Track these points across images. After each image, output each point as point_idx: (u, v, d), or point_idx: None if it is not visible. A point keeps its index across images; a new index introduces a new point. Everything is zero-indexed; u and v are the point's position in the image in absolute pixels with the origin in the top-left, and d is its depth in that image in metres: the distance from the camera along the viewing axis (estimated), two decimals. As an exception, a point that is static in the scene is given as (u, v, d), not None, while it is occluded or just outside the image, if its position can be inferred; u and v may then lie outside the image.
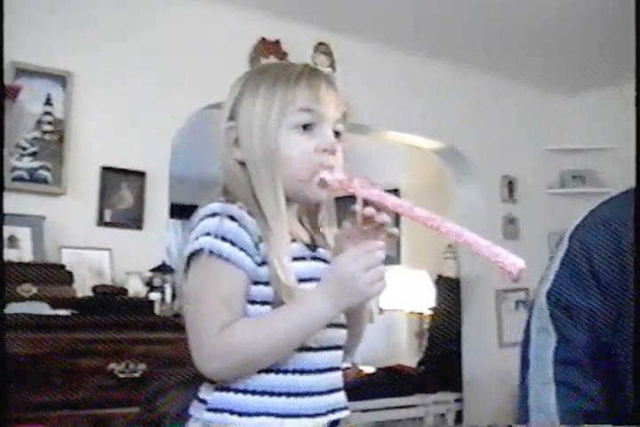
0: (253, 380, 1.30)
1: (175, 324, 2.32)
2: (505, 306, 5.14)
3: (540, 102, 5.41)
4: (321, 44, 4.34)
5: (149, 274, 3.36)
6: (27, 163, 3.32)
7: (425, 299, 5.85)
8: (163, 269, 3.37)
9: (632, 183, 1.33)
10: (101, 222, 3.52)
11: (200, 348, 1.28)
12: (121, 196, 3.59)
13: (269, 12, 4.14)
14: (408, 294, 5.90)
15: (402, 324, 6.39)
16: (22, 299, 2.84)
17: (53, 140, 3.40)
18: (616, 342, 1.25)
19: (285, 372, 1.32)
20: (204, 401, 1.34)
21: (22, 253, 3.13)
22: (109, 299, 3.10)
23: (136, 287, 3.33)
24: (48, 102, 3.41)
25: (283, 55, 4.17)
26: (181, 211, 3.68)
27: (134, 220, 3.61)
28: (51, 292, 2.93)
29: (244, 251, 1.29)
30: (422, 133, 4.92)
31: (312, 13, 4.21)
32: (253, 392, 1.30)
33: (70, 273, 3.08)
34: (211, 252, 1.29)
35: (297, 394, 1.32)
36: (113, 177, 3.57)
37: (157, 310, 3.18)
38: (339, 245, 1.38)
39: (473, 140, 5.05)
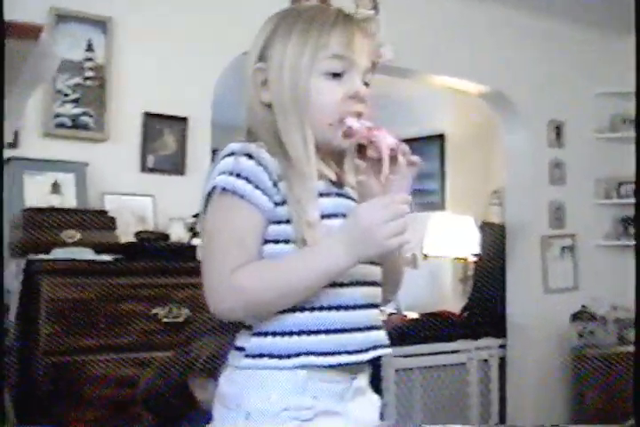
0: (288, 320, 1.30)
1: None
2: (550, 252, 5.09)
3: (590, 44, 5.25)
4: (364, -15, 4.25)
5: (192, 220, 3.36)
6: (69, 109, 3.33)
7: (470, 245, 5.81)
8: (205, 214, 3.38)
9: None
10: (144, 168, 3.53)
11: (211, 289, 1.28)
12: (163, 141, 3.58)
13: (311, -47, 4.05)
14: (453, 240, 5.86)
15: (446, 270, 6.37)
16: (66, 244, 2.87)
17: (95, 86, 3.39)
18: None
19: (321, 309, 1.31)
20: (241, 349, 1.34)
21: (65, 199, 3.16)
22: (152, 244, 3.13)
23: (179, 233, 3.35)
24: (89, 48, 3.39)
25: (325, -4, 4.09)
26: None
27: (177, 165, 3.60)
28: (94, 237, 2.96)
29: (260, 189, 1.29)
30: (468, 77, 4.82)
31: (355, -46, 4.11)
32: (291, 333, 1.30)
33: (113, 219, 3.10)
34: (224, 189, 1.28)
35: (335, 331, 1.31)
36: (155, 123, 3.56)
37: (200, 255, 3.20)
38: (363, 190, 1.37)
39: (520, 84, 4.94)
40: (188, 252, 3.12)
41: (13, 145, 3.04)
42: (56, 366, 2.72)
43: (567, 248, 5.16)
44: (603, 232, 5.34)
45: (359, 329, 1.34)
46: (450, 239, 5.87)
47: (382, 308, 1.45)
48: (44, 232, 2.87)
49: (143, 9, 3.56)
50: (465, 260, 6.02)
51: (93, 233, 2.97)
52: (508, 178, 5.20)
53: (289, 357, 1.29)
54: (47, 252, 2.82)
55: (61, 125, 3.30)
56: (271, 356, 1.30)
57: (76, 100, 3.34)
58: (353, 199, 1.40)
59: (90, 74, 3.38)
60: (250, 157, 1.29)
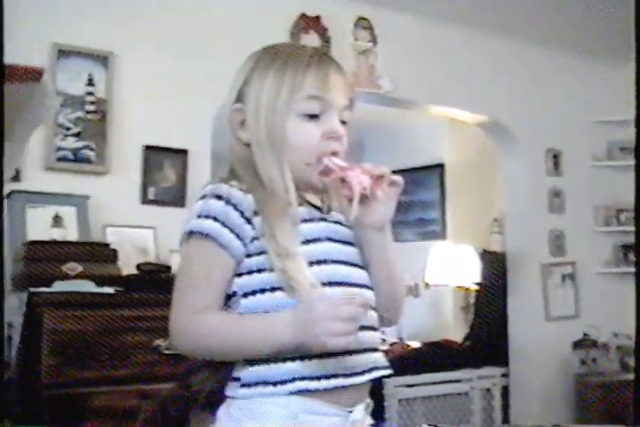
0: None
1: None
2: (551, 280, 5.09)
3: (586, 73, 5.31)
4: (362, 18, 4.31)
5: (193, 251, 3.37)
6: (71, 143, 3.36)
7: (471, 274, 5.82)
8: (206, 246, 3.39)
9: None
10: (145, 200, 3.56)
11: (172, 322, 1.32)
12: (164, 174, 3.61)
13: (309, -13, 4.12)
14: (454, 269, 5.87)
15: (448, 298, 6.36)
16: (68, 277, 2.88)
17: (96, 120, 3.43)
18: None
19: None
20: (237, 379, 1.34)
21: (67, 232, 3.18)
22: (154, 276, 3.14)
23: (180, 265, 3.35)
24: (90, 83, 3.44)
25: (323, 31, 4.15)
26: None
27: (177, 197, 3.63)
28: (96, 270, 2.98)
29: (227, 227, 1.31)
30: (466, 107, 4.87)
31: (352, -12, 4.18)
32: (284, 359, 1.29)
33: (115, 251, 3.12)
34: (191, 232, 1.32)
35: (329, 354, 1.29)
36: (156, 155, 3.59)
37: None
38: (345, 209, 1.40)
39: (518, 114, 4.99)
40: (189, 283, 3.12)
41: (16, 178, 3.07)
42: (58, 398, 2.72)
43: (568, 276, 5.17)
44: (602, 259, 5.35)
45: (355, 351, 1.32)
46: (451, 268, 5.88)
47: (385, 337, 1.45)
48: (45, 265, 2.89)
49: (144, 43, 3.61)
50: (466, 288, 6.02)
51: (95, 265, 2.99)
52: (508, 206, 5.23)
53: (283, 383, 1.29)
54: (49, 285, 2.83)
55: (63, 159, 3.34)
56: (266, 383, 1.30)
57: (77, 134, 3.38)
58: (341, 223, 1.42)
59: (91, 108, 3.42)
60: (219, 198, 1.32)
